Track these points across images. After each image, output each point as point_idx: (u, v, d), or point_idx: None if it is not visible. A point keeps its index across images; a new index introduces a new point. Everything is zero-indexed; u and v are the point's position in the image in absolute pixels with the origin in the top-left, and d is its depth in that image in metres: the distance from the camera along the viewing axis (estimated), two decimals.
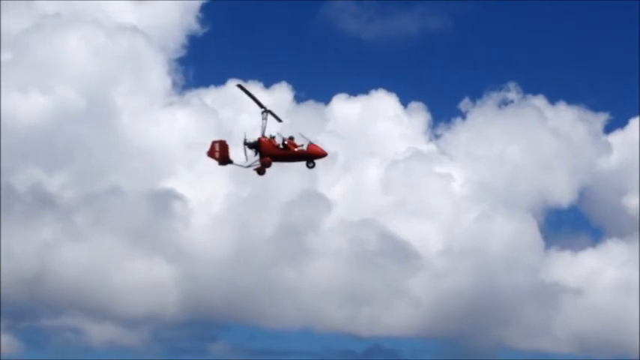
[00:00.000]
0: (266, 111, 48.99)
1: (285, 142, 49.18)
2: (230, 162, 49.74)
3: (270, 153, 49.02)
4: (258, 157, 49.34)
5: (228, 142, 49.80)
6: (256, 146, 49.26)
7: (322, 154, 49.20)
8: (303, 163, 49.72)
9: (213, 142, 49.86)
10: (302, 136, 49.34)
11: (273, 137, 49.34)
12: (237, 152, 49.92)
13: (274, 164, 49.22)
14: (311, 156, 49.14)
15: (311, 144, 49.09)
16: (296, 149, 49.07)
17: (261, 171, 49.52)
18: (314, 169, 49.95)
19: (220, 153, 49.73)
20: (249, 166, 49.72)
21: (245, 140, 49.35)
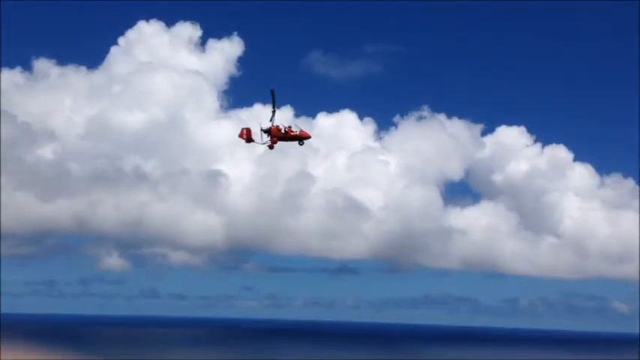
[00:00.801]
0: (274, 111, 77.94)
1: (286, 129, 79.04)
2: (252, 141, 78.91)
3: (276, 136, 78.81)
4: (269, 138, 79.04)
5: (251, 129, 78.69)
6: (268, 131, 78.57)
7: (308, 137, 79.65)
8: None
9: (242, 128, 78.25)
10: (296, 125, 79.24)
11: (277, 126, 78.90)
12: (256, 136, 79.40)
13: (279, 144, 79.58)
14: (301, 138, 79.67)
15: (301, 130, 79.21)
16: (292, 134, 79.22)
17: (271, 147, 79.45)
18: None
19: (246, 135, 78.62)
20: (263, 144, 79.33)
21: (261, 128, 78.43)
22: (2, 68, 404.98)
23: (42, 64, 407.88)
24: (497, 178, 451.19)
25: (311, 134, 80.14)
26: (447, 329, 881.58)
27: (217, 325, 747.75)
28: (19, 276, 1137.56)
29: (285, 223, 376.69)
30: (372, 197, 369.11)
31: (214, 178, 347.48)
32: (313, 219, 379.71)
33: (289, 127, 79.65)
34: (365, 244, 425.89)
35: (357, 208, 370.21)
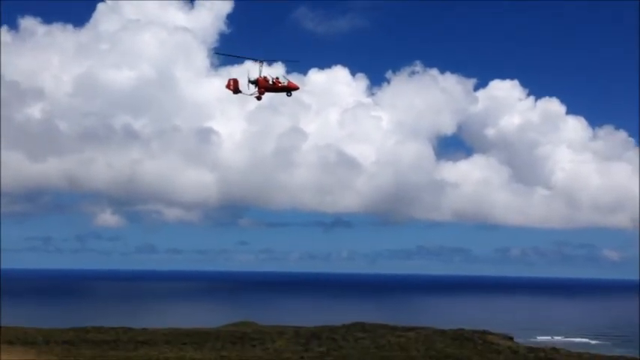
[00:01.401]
0: (261, 61, 77.21)
1: (274, 80, 78.41)
2: (240, 92, 78.14)
3: (263, 87, 78.05)
4: (256, 89, 78.42)
5: (238, 80, 78.00)
6: (255, 83, 77.81)
7: (296, 88, 78.93)
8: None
9: (229, 79, 77.42)
10: (284, 77, 78.62)
11: (265, 77, 78.22)
12: (244, 88, 78.84)
13: (268, 95, 79.05)
14: (289, 89, 78.97)
15: (289, 81, 78.46)
16: (279, 85, 78.58)
17: (259, 98, 78.97)
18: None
19: (233, 86, 77.81)
20: (251, 95, 78.78)
21: (249, 79, 77.71)
22: None
23: (28, 23, 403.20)
24: (490, 132, 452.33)
25: (299, 85, 79.30)
26: (441, 278, 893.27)
27: (214, 277, 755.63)
28: (18, 232, 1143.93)
29: (278, 179, 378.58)
30: (364, 152, 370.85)
31: (206, 135, 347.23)
32: (306, 174, 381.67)
33: (277, 78, 78.73)
34: (358, 198, 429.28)
35: (349, 163, 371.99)
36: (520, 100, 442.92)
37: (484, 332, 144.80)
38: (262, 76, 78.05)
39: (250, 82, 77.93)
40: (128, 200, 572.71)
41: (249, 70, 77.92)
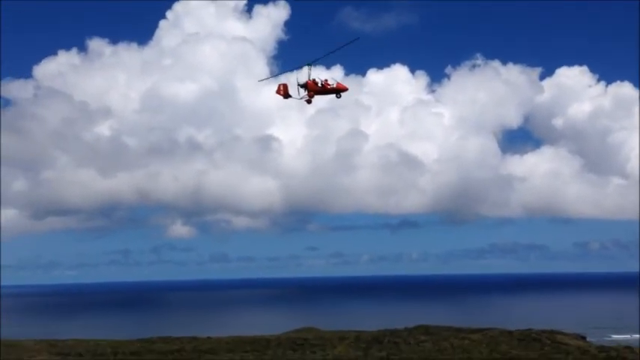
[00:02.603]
0: (310, 64, 76.99)
1: (322, 82, 78.09)
2: (290, 96, 78.15)
3: (313, 89, 77.85)
4: (306, 92, 78.21)
5: (288, 85, 77.94)
6: (305, 86, 77.68)
7: (345, 89, 78.38)
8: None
9: (279, 84, 77.57)
10: (332, 78, 78.24)
11: (314, 80, 77.97)
12: (293, 92, 78.80)
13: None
14: (338, 90, 78.45)
15: (338, 83, 78.03)
16: (328, 87, 78.15)
17: (309, 101, 78.73)
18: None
19: (284, 91, 77.88)
20: (301, 98, 78.63)
21: (298, 82, 77.65)
22: (59, 51, 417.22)
23: (95, 44, 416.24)
24: (559, 121, 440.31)
25: (348, 86, 78.57)
26: (517, 277, 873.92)
27: (286, 284, 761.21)
28: (97, 247, 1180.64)
29: (341, 182, 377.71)
30: (426, 150, 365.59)
31: (267, 143, 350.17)
32: (368, 176, 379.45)
33: (325, 80, 78.37)
34: (422, 198, 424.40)
35: (411, 163, 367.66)
36: (590, 86, 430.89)
37: (553, 332, 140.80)
38: (311, 79, 78.02)
39: (300, 85, 77.85)
40: (197, 211, 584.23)
41: (297, 78, 78.07)
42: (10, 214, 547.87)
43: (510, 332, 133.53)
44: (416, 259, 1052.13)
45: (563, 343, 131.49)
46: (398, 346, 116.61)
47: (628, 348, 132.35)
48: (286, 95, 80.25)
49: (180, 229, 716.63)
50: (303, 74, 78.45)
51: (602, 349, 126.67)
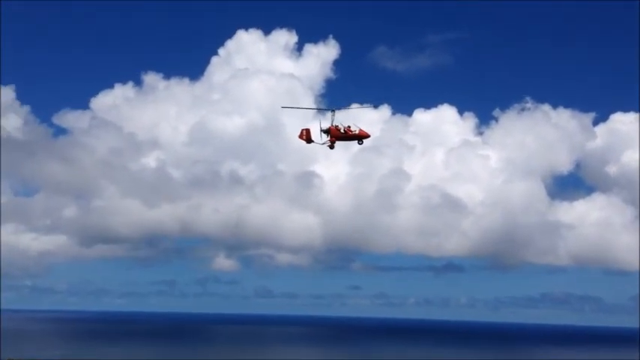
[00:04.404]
0: (333, 110, 78.50)
1: (345, 129, 79.30)
2: (312, 141, 79.35)
3: (335, 135, 78.77)
4: (328, 138, 79.47)
5: (310, 130, 79.37)
6: (327, 132, 78.75)
7: (367, 136, 79.01)
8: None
9: (302, 129, 78.83)
10: (355, 125, 79.32)
11: (337, 126, 79.25)
12: (316, 137, 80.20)
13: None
14: (361, 137, 79.29)
15: (360, 130, 79.00)
16: (351, 133, 79.13)
17: (331, 147, 79.87)
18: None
19: (306, 136, 79.20)
20: (323, 144, 79.89)
21: (321, 128, 78.95)
22: (115, 84, 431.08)
23: (150, 78, 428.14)
24: (612, 169, 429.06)
25: (370, 133, 79.67)
26: (572, 329, 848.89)
27: (330, 323, 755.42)
28: (144, 277, 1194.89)
29: (382, 221, 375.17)
30: (470, 192, 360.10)
31: (309, 179, 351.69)
32: (409, 217, 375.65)
33: (348, 126, 79.55)
34: (464, 242, 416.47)
35: (454, 205, 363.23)
36: None
37: None
38: (334, 125, 79.22)
39: (322, 131, 79.16)
40: (239, 245, 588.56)
41: (320, 123, 79.45)
42: (60, 240, 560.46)
43: None
44: (464, 305, 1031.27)
45: None
46: None
47: None
48: (309, 140, 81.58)
49: (223, 262, 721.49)
50: (326, 120, 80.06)
51: None
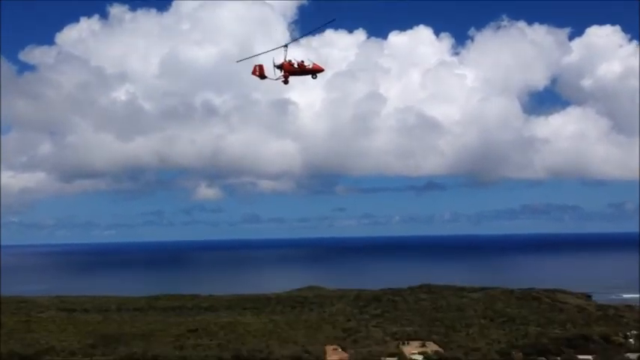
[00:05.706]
0: (286, 45, 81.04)
1: (298, 64, 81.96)
2: (266, 77, 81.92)
3: (288, 70, 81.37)
4: (282, 73, 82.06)
5: (264, 66, 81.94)
6: (280, 67, 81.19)
7: (321, 70, 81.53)
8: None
9: (255, 65, 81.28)
10: (308, 59, 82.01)
11: (290, 61, 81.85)
12: (269, 72, 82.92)
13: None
14: (314, 71, 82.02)
15: (314, 64, 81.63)
16: (305, 67, 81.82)
17: (285, 82, 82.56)
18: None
19: (259, 72, 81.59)
20: (277, 79, 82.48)
21: (274, 63, 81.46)
22: (81, 18, 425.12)
23: (116, 10, 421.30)
24: (587, 82, 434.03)
25: (324, 67, 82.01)
26: (553, 236, 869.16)
27: (318, 244, 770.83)
28: (130, 209, 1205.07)
29: (360, 145, 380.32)
30: (446, 112, 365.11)
31: (284, 106, 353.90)
32: (386, 139, 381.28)
33: (302, 61, 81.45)
34: (441, 161, 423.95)
35: (430, 125, 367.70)
36: (621, 46, 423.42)
37: (555, 291, 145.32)
38: (287, 60, 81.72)
39: (275, 66, 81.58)
40: (219, 174, 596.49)
41: (273, 59, 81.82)
42: (39, 177, 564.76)
43: (511, 291, 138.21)
44: (448, 220, 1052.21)
45: (563, 301, 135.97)
46: (395, 304, 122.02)
47: (628, 307, 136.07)
48: (262, 76, 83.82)
49: (206, 192, 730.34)
50: (280, 55, 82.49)
51: (600, 307, 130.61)
